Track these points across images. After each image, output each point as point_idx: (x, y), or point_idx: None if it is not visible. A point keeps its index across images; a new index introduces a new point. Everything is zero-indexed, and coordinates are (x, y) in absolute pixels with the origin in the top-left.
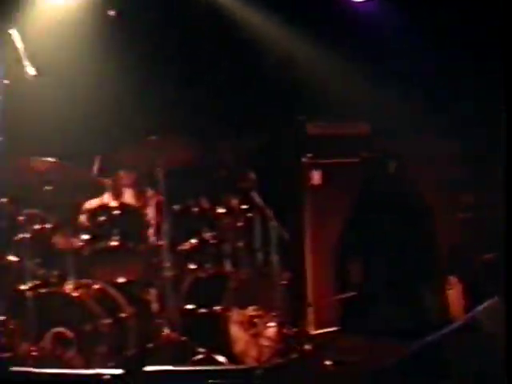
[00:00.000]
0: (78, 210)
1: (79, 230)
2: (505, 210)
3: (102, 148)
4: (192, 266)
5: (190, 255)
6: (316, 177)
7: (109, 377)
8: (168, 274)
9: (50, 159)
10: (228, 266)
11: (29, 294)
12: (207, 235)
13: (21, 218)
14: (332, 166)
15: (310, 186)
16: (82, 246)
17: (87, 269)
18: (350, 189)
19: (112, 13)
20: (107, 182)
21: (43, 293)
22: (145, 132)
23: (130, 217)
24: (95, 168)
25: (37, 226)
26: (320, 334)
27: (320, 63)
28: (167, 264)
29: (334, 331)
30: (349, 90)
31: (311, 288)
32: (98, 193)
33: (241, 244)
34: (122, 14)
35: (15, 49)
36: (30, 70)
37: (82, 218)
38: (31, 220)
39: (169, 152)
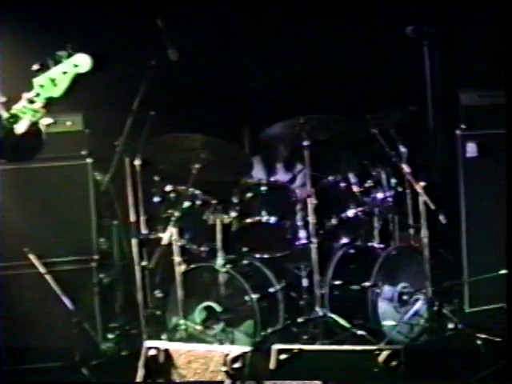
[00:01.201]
0: (227, 186)
1: (229, 206)
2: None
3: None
4: (341, 242)
5: (339, 231)
6: (471, 149)
7: (237, 353)
8: (316, 249)
9: (200, 135)
10: (377, 242)
11: (179, 269)
12: (356, 210)
13: (172, 195)
14: (488, 138)
15: (465, 158)
16: (231, 221)
17: (236, 244)
18: (508, 161)
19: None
20: (255, 157)
21: (193, 268)
22: (294, 109)
23: (277, 192)
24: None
25: (187, 203)
26: (475, 312)
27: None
28: (315, 240)
29: (491, 309)
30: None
31: (466, 264)
32: (246, 169)
33: (390, 219)
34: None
35: (159, 32)
36: (174, 52)
37: (232, 194)
38: (182, 197)
39: (316, 126)
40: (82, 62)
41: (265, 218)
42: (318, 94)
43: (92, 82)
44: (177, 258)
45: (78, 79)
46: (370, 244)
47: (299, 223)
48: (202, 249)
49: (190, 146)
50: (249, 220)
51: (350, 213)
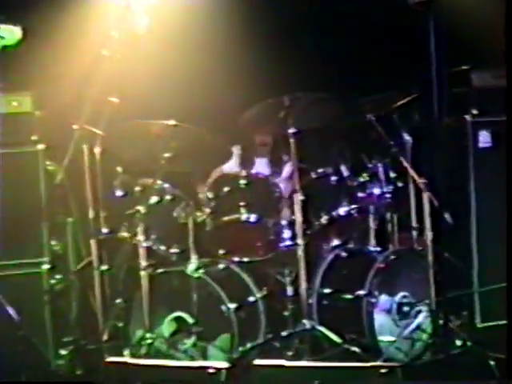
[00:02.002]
0: (201, 179)
1: (202, 202)
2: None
3: (225, 110)
4: (331, 244)
5: (329, 231)
6: (483, 138)
7: (213, 370)
8: (303, 252)
9: (169, 122)
10: (373, 244)
11: (144, 274)
12: (349, 208)
13: (137, 188)
14: (504, 125)
15: (477, 149)
16: (206, 220)
17: (211, 246)
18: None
19: None
20: (234, 147)
21: (161, 273)
22: (275, 92)
23: (259, 187)
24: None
25: (154, 198)
26: (488, 327)
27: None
28: (302, 241)
29: (506, 324)
30: None
31: (477, 271)
32: (223, 160)
33: (389, 218)
34: None
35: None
36: (141, 25)
37: (206, 188)
38: (148, 191)
39: (304, 112)
40: (9, 33)
41: (244, 216)
42: (304, 73)
43: (43, 56)
44: (142, 262)
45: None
46: (364, 247)
47: (284, 222)
48: (172, 251)
49: (160, 132)
50: (226, 218)
51: (342, 210)
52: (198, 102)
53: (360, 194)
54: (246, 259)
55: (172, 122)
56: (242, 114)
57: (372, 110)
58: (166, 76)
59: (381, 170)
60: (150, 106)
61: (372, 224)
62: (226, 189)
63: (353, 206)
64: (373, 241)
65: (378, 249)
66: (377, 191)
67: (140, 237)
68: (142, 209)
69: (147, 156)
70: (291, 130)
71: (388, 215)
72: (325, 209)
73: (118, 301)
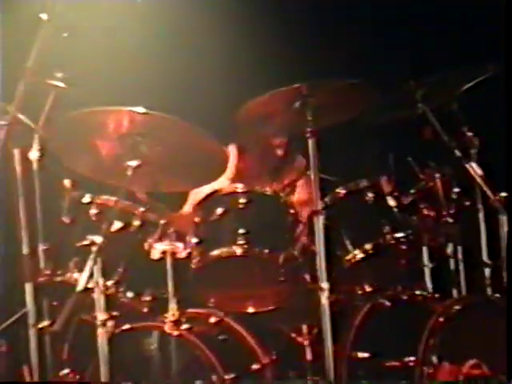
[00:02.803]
0: (182, 197)
1: (184, 229)
2: None
3: (214, 100)
4: (367, 288)
5: (364, 269)
6: None
7: None
8: (327, 299)
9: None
10: (428, 288)
11: (103, 331)
12: (393, 236)
13: (93, 211)
14: None
15: None
16: (191, 254)
17: (198, 291)
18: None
19: None
20: (228, 151)
21: (126, 330)
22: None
23: (264, 208)
24: None
25: (117, 224)
26: None
27: None
28: (326, 284)
29: None
30: None
31: None
32: (215, 169)
33: (451, 252)
34: None
35: None
36: None
37: (189, 209)
38: (109, 214)
39: (326, 100)
40: None
41: (243, 249)
42: (334, 48)
43: None
44: (100, 315)
45: None
46: (416, 292)
47: (299, 257)
48: (143, 298)
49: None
50: (218, 251)
51: (383, 239)
52: (176, 87)
53: (408, 218)
54: (247, 310)
55: (140, 110)
56: (238, 104)
57: (426, 97)
58: (132, 51)
59: (438, 182)
60: (109, 91)
61: (426, 260)
62: (218, 210)
63: (398, 235)
64: (428, 284)
65: (436, 295)
66: (432, 213)
67: (96, 279)
68: (99, 239)
69: (107, 165)
70: (310, 128)
71: (449, 247)
72: (358, 238)
73: (65, 372)
